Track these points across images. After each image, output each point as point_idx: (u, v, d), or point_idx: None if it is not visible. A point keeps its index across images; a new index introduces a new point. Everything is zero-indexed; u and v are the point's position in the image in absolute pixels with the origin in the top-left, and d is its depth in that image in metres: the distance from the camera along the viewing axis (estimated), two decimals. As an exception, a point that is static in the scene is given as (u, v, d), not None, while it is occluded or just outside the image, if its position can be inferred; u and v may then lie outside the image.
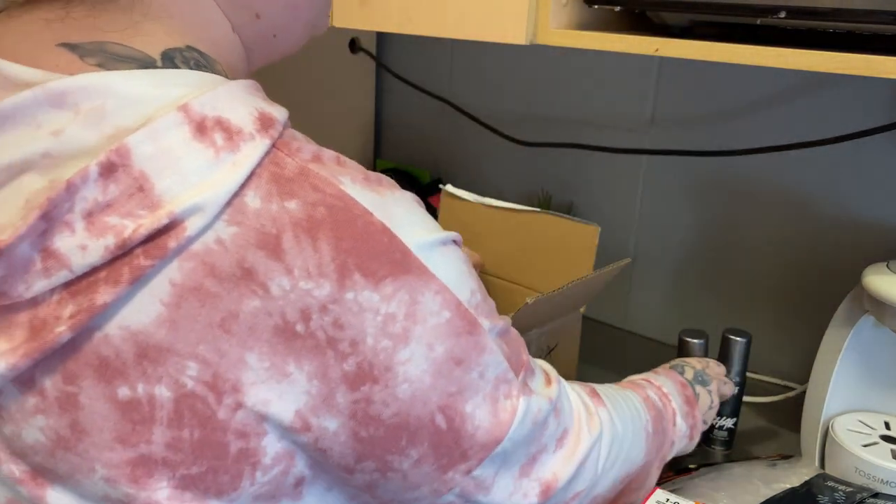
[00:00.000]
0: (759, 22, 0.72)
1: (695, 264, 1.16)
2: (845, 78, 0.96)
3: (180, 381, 0.39)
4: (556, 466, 0.52)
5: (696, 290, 1.16)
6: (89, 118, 0.38)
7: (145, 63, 0.42)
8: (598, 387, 0.64)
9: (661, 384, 0.72)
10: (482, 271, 0.99)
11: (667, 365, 0.79)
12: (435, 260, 0.44)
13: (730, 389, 0.82)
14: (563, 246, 0.90)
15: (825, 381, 0.85)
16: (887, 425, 0.85)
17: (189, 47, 0.45)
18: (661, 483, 0.82)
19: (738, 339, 0.89)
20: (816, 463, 0.86)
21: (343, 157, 0.45)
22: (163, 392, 0.39)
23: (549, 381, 0.54)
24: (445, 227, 1.06)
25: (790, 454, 0.90)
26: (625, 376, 0.98)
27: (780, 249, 1.07)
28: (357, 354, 0.41)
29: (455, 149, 1.42)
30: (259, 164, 0.41)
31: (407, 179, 1.43)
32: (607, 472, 0.58)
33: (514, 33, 0.83)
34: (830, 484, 0.80)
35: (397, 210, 0.44)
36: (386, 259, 0.42)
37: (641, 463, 0.64)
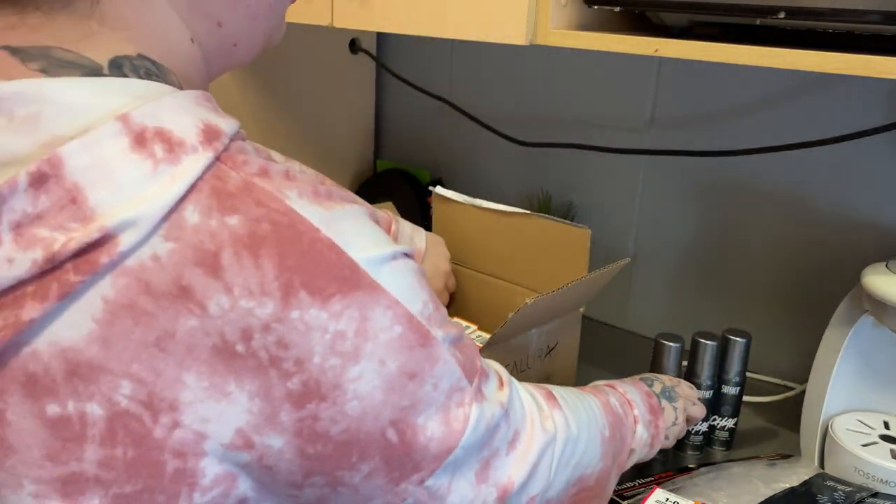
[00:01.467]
0: (758, 22, 0.72)
1: (695, 264, 1.16)
2: (845, 78, 0.96)
3: (113, 399, 0.38)
4: (511, 469, 0.52)
5: (695, 290, 1.16)
6: (23, 125, 0.37)
7: (91, 70, 0.41)
8: (556, 389, 0.63)
9: (626, 391, 0.72)
10: (477, 270, 0.99)
11: (637, 377, 0.79)
12: (385, 274, 0.43)
13: (699, 412, 0.82)
14: (556, 248, 0.90)
15: (825, 380, 0.85)
16: (886, 425, 0.85)
17: (141, 56, 0.43)
18: (660, 482, 0.82)
19: (738, 339, 0.89)
20: (816, 462, 0.86)
21: (294, 172, 0.44)
22: (95, 410, 0.38)
23: (501, 384, 0.53)
24: (438, 229, 1.07)
25: (790, 454, 0.90)
26: (625, 376, 0.98)
27: (779, 249, 1.07)
28: (303, 373, 0.40)
29: (455, 149, 1.42)
30: (200, 178, 0.39)
31: (407, 179, 1.43)
32: (561, 473, 0.57)
33: (514, 33, 0.83)
34: (830, 483, 0.80)
35: (346, 225, 0.43)
36: (334, 276, 0.41)
37: (597, 468, 0.63)
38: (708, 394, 0.89)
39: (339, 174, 1.49)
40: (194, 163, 0.39)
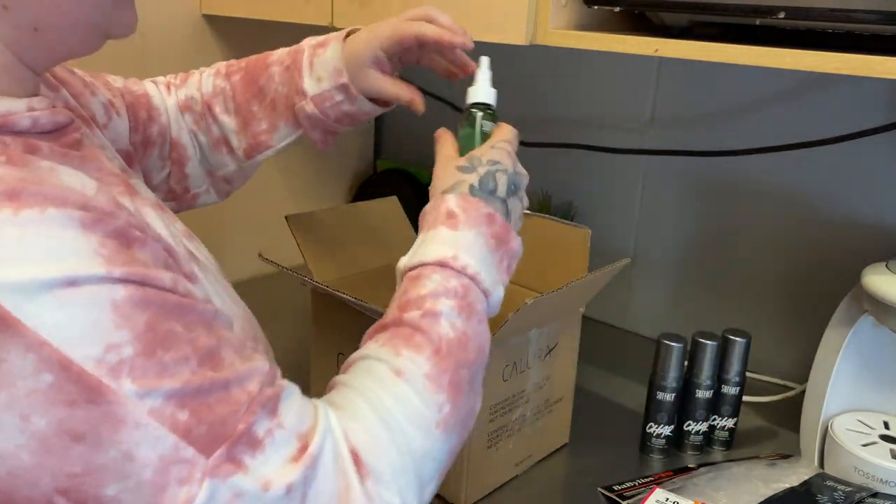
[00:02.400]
0: (758, 22, 0.72)
1: (695, 264, 1.16)
2: (845, 78, 0.96)
3: None
4: None
5: (695, 290, 1.17)
6: None
7: None
8: (366, 433, 0.46)
9: (465, 261, 0.54)
10: None
11: (466, 179, 0.59)
12: (36, 306, 0.36)
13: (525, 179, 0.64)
14: (556, 248, 0.90)
15: (824, 380, 0.85)
16: (886, 425, 0.85)
17: None
18: (660, 482, 0.82)
19: (738, 339, 0.89)
20: (816, 462, 0.86)
21: (16, 158, 0.39)
22: None
23: (301, 453, 0.42)
24: None
25: (790, 454, 0.90)
26: (625, 376, 0.98)
27: (779, 249, 1.07)
28: None
29: (455, 149, 1.42)
30: None
31: (407, 179, 1.43)
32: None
33: (514, 33, 0.83)
34: (830, 483, 0.80)
35: (3, 239, 0.36)
36: None
37: (455, 443, 0.51)
38: (708, 394, 0.89)
39: (339, 174, 1.49)
40: None
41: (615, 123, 1.19)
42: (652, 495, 0.76)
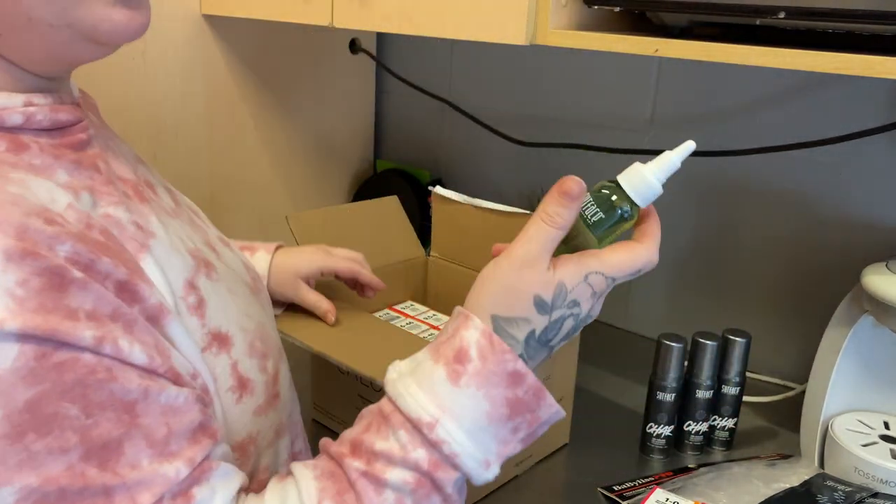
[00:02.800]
0: (758, 22, 0.72)
1: (695, 264, 1.16)
2: (845, 78, 0.96)
3: None
4: None
5: (696, 291, 1.17)
6: None
7: None
8: None
9: (443, 440, 0.43)
10: (477, 270, 0.99)
11: (526, 318, 0.46)
12: None
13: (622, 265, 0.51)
14: None
15: (825, 380, 0.85)
16: (886, 425, 0.85)
17: None
18: (660, 482, 0.82)
19: (738, 339, 0.89)
20: (816, 462, 0.86)
21: None
22: None
23: None
24: (438, 229, 1.05)
25: (790, 454, 0.90)
26: (625, 376, 0.98)
27: (779, 249, 1.07)
28: None
29: (455, 149, 1.42)
30: None
31: (407, 179, 1.43)
32: None
33: (514, 33, 0.83)
34: (830, 483, 0.80)
35: None
36: None
37: None
38: (708, 394, 0.89)
39: (339, 174, 1.49)
40: None
41: (615, 123, 1.19)
42: (652, 495, 0.76)
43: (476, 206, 0.96)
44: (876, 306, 0.79)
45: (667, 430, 0.90)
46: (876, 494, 0.77)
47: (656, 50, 0.75)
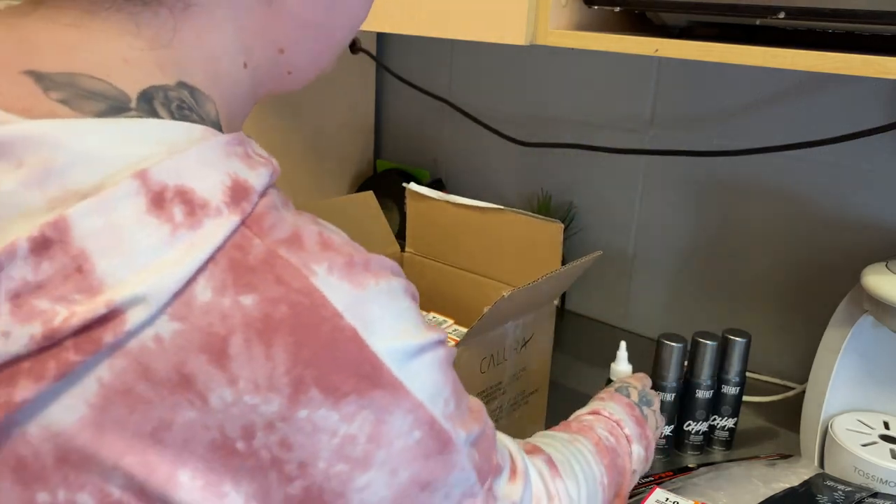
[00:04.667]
0: (758, 22, 0.72)
1: (695, 264, 1.16)
2: (845, 78, 0.96)
3: (105, 490, 0.34)
4: None
5: (695, 290, 1.17)
6: (33, 175, 0.33)
7: (116, 103, 0.36)
8: (554, 452, 0.59)
9: (612, 412, 0.71)
10: (452, 265, 1.00)
11: (610, 388, 0.78)
12: (411, 371, 0.39)
13: (659, 403, 0.82)
14: (529, 242, 0.91)
15: (824, 380, 0.85)
16: (886, 425, 0.85)
17: (180, 84, 0.40)
18: (660, 482, 0.82)
19: (737, 339, 0.89)
20: (816, 462, 0.86)
21: (330, 235, 0.39)
22: (86, 500, 0.34)
23: (513, 475, 0.49)
24: (412, 225, 1.07)
25: (789, 454, 0.90)
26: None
27: (779, 249, 1.07)
28: (305, 478, 0.36)
29: (455, 149, 1.42)
30: (220, 248, 0.35)
31: (407, 179, 1.43)
32: None
33: (514, 33, 0.83)
34: (830, 483, 0.80)
35: (376, 308, 0.38)
36: (352, 372, 0.36)
37: None
38: (708, 394, 0.89)
39: (339, 174, 1.49)
40: (217, 228, 0.35)
41: (615, 123, 1.19)
42: (652, 495, 0.76)
43: (450, 203, 0.97)
44: (876, 306, 0.79)
45: (667, 430, 0.90)
46: (876, 494, 0.77)
47: (656, 50, 0.75)
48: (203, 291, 0.34)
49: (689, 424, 0.90)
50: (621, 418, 0.70)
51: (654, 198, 1.18)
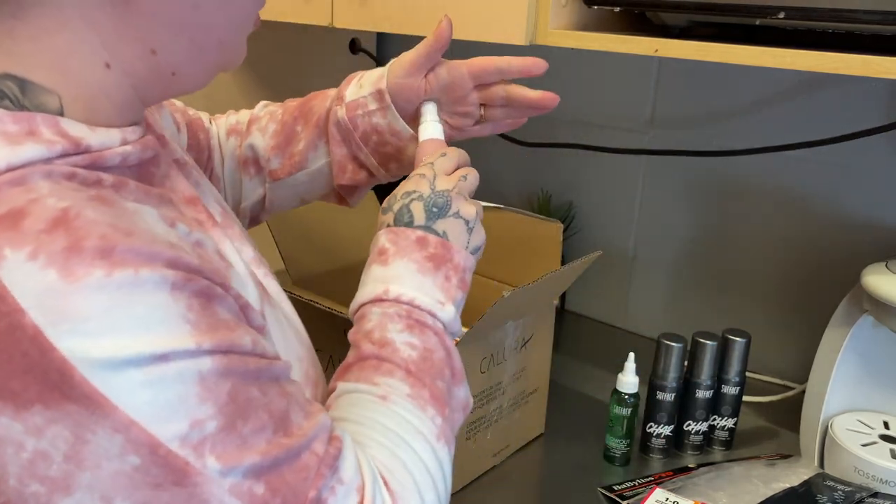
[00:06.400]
0: (758, 22, 0.72)
1: (695, 264, 1.16)
2: (845, 78, 0.96)
3: None
4: None
5: (695, 290, 1.17)
6: None
7: None
8: (385, 459, 0.47)
9: (400, 287, 0.54)
10: None
11: (388, 214, 0.59)
12: (124, 384, 0.34)
13: (474, 180, 0.63)
14: (529, 242, 0.91)
15: (824, 380, 0.85)
16: (886, 425, 0.85)
17: (5, 75, 0.40)
18: (660, 482, 0.82)
19: (737, 339, 0.89)
20: (816, 462, 0.86)
21: (84, 213, 0.36)
22: None
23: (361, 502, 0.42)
24: None
25: (789, 454, 0.90)
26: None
27: (779, 249, 1.07)
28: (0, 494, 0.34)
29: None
30: None
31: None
32: None
33: (514, 34, 0.83)
34: (829, 483, 0.80)
35: (92, 307, 0.34)
36: (33, 379, 0.33)
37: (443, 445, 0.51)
38: (708, 394, 0.89)
39: (340, 174, 1.49)
40: None
41: (615, 123, 1.19)
42: (652, 495, 0.76)
43: None
44: (876, 306, 0.79)
45: (667, 430, 0.90)
46: (876, 494, 0.78)
47: (656, 50, 0.75)
48: None
49: (689, 424, 0.90)
50: (413, 297, 0.54)
51: (654, 198, 1.18)
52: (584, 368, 1.01)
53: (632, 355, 0.87)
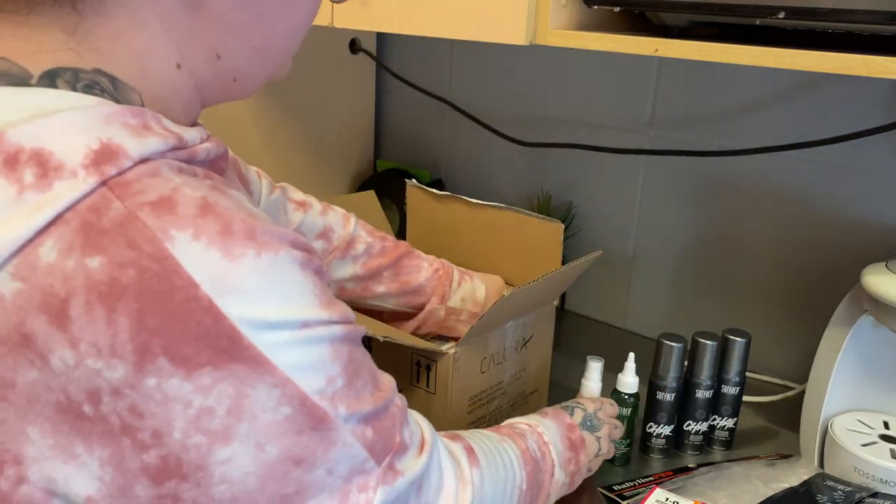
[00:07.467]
0: (758, 22, 0.72)
1: (694, 264, 1.16)
2: (845, 78, 0.96)
3: None
4: None
5: (695, 290, 1.17)
6: None
7: (17, 80, 0.38)
8: (476, 441, 0.59)
9: (543, 432, 0.69)
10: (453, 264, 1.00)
11: (559, 405, 0.77)
12: (280, 345, 0.38)
13: (619, 433, 0.80)
14: (530, 241, 0.91)
15: (824, 380, 0.85)
16: (886, 425, 0.85)
17: (97, 70, 0.41)
18: (660, 482, 0.82)
19: (737, 339, 0.89)
20: (815, 462, 0.86)
21: (218, 200, 0.39)
22: None
23: (421, 450, 0.49)
24: (413, 222, 1.08)
25: (789, 454, 0.90)
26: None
27: (779, 249, 1.07)
28: (161, 447, 0.36)
29: (455, 149, 1.42)
30: (70, 208, 0.35)
31: (407, 179, 1.43)
32: None
33: (514, 33, 0.83)
34: (829, 483, 0.80)
35: (248, 281, 0.37)
36: (205, 344, 0.36)
37: None
38: (708, 394, 0.89)
39: (339, 174, 1.49)
40: (67, 190, 0.35)
41: (615, 123, 1.19)
42: (652, 495, 0.76)
43: (451, 200, 0.97)
44: (876, 306, 0.79)
45: (667, 430, 0.90)
46: (876, 494, 0.78)
47: (656, 50, 0.75)
48: (48, 252, 0.34)
49: (689, 424, 0.90)
50: (551, 440, 0.69)
51: (653, 198, 1.18)
52: (582, 368, 1.00)
53: (632, 355, 0.87)
